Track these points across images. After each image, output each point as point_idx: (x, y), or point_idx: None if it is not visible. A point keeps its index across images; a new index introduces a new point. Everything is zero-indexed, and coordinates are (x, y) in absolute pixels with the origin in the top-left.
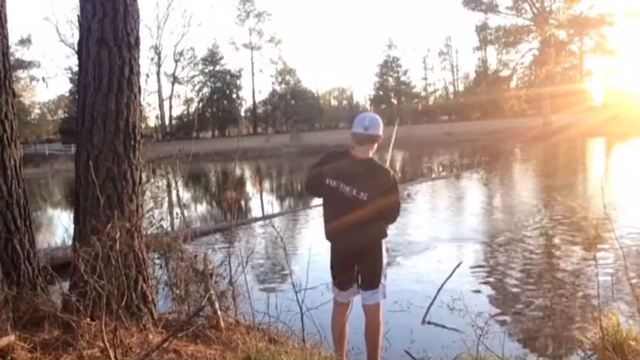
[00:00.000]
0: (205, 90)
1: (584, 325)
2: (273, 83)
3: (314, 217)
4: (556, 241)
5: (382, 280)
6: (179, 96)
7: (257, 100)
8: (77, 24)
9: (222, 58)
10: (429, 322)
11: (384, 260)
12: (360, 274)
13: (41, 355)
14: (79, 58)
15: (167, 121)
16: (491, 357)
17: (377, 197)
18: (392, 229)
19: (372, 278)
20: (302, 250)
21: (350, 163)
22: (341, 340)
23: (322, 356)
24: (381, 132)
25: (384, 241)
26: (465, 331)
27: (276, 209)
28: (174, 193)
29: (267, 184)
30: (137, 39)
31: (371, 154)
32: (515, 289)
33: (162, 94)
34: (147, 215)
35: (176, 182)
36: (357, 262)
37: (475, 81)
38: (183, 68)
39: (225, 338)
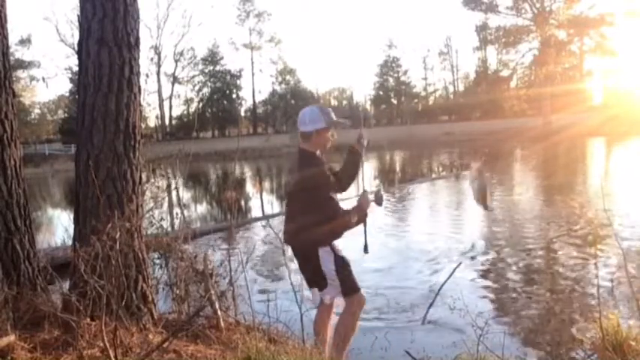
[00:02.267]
0: (205, 90)
1: (584, 325)
2: (273, 83)
3: None
4: (556, 241)
5: (331, 281)
6: (179, 96)
7: (257, 100)
8: (77, 24)
9: (222, 58)
10: (429, 322)
11: (327, 265)
12: None
13: (41, 355)
14: (79, 58)
15: (167, 121)
16: (491, 357)
17: (299, 186)
18: (388, 232)
19: (317, 281)
20: None
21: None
22: (322, 343)
23: (322, 356)
24: (313, 127)
25: (322, 249)
26: (465, 331)
27: (276, 209)
28: (174, 193)
29: (267, 184)
30: (137, 39)
31: (317, 150)
32: (515, 289)
33: (162, 94)
34: (147, 215)
35: (176, 182)
36: (301, 263)
37: (475, 81)
38: (183, 68)
39: (225, 338)
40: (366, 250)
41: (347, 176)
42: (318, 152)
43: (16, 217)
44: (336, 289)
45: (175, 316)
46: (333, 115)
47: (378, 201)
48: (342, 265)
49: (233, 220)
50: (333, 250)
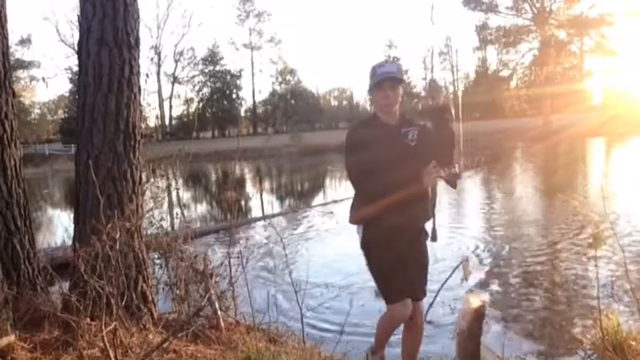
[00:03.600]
0: (205, 90)
1: (585, 325)
2: (273, 83)
3: (314, 216)
4: (556, 241)
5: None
6: (179, 96)
7: (257, 100)
8: (77, 24)
9: (222, 58)
10: (429, 322)
11: (362, 247)
12: None
13: (41, 355)
14: (79, 58)
15: (167, 121)
16: (492, 357)
17: None
18: None
19: None
20: (302, 251)
21: None
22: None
23: (322, 356)
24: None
25: (357, 229)
26: None
27: (277, 209)
28: (174, 193)
29: (267, 184)
30: (137, 39)
31: (381, 113)
32: (515, 289)
33: (162, 94)
34: (147, 215)
35: (176, 182)
36: None
37: (475, 81)
38: (183, 68)
39: (225, 338)
40: (434, 237)
41: (441, 147)
42: (384, 116)
43: (16, 217)
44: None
45: (175, 316)
46: (381, 70)
47: (451, 179)
48: (367, 253)
49: (233, 220)
50: (363, 232)
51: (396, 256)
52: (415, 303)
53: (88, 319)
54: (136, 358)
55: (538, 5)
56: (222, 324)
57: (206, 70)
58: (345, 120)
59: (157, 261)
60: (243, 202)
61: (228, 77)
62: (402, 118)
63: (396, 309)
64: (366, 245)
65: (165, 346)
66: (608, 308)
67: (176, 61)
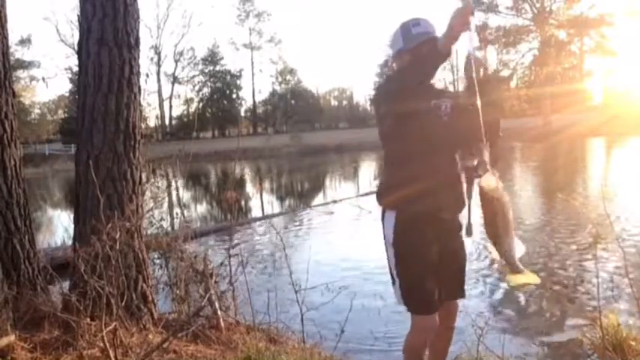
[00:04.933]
0: (205, 90)
1: (585, 325)
2: (273, 83)
3: (314, 216)
4: (556, 240)
5: (394, 277)
6: (179, 96)
7: (257, 100)
8: (77, 24)
9: (222, 58)
10: None
11: (388, 242)
12: None
13: (41, 355)
14: (79, 58)
15: (167, 121)
16: (491, 357)
17: None
18: None
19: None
20: (302, 250)
21: None
22: None
23: (322, 356)
24: (394, 52)
25: (387, 214)
26: (465, 331)
27: (277, 209)
28: (174, 193)
29: (267, 184)
30: (137, 39)
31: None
32: (515, 289)
33: (162, 94)
34: (147, 215)
35: (176, 182)
36: None
37: None
38: (183, 68)
39: (225, 338)
40: (468, 232)
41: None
42: None
43: (16, 217)
44: (397, 295)
45: (175, 316)
46: (417, 30)
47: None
48: (405, 248)
49: (233, 220)
50: (394, 222)
51: (430, 254)
52: (452, 302)
53: (88, 319)
54: (136, 358)
55: (538, 5)
56: (222, 324)
57: (206, 70)
58: (345, 120)
59: (157, 261)
60: (243, 202)
61: (228, 77)
62: (433, 88)
63: (428, 321)
64: (397, 239)
65: (165, 346)
66: (608, 308)
67: (176, 61)
